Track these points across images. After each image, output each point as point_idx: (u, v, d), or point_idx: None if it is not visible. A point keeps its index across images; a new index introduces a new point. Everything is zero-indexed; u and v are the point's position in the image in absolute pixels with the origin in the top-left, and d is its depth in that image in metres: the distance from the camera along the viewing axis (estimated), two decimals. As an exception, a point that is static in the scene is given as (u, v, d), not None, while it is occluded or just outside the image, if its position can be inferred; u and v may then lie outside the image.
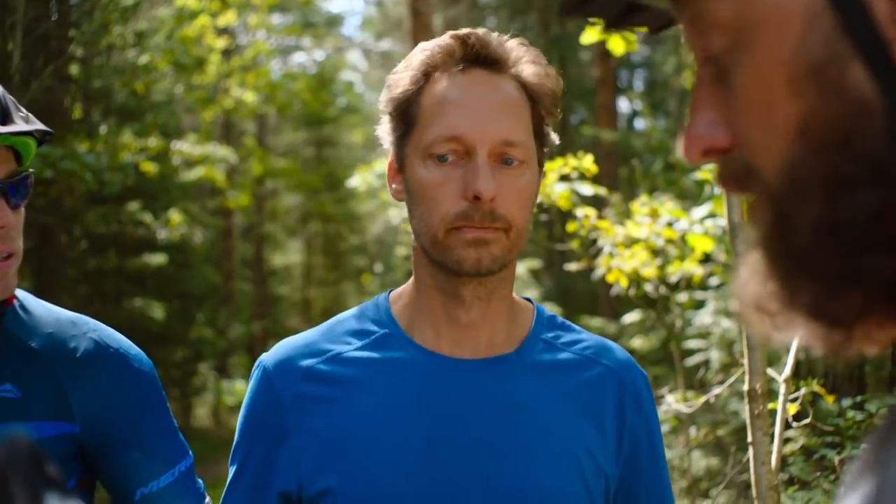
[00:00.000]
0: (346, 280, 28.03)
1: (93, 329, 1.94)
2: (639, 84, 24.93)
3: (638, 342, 11.50)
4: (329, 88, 26.19)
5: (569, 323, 1.79)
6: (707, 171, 3.83)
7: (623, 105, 24.75)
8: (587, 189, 4.60)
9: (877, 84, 0.61)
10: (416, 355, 1.64)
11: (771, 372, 2.92)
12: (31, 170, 1.84)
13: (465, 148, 1.54)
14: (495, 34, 1.62)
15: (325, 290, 27.87)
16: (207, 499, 2.03)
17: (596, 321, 13.57)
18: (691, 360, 9.63)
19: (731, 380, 3.41)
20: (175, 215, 14.35)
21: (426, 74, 1.60)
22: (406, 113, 1.61)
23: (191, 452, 2.02)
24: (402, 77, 1.62)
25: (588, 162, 4.44)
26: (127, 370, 1.94)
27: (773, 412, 3.08)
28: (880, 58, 0.61)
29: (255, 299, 25.62)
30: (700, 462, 8.61)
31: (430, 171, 1.56)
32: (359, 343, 1.67)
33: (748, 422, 2.80)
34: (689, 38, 0.71)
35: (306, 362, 1.65)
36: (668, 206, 4.85)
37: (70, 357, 1.86)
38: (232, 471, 1.70)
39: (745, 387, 2.78)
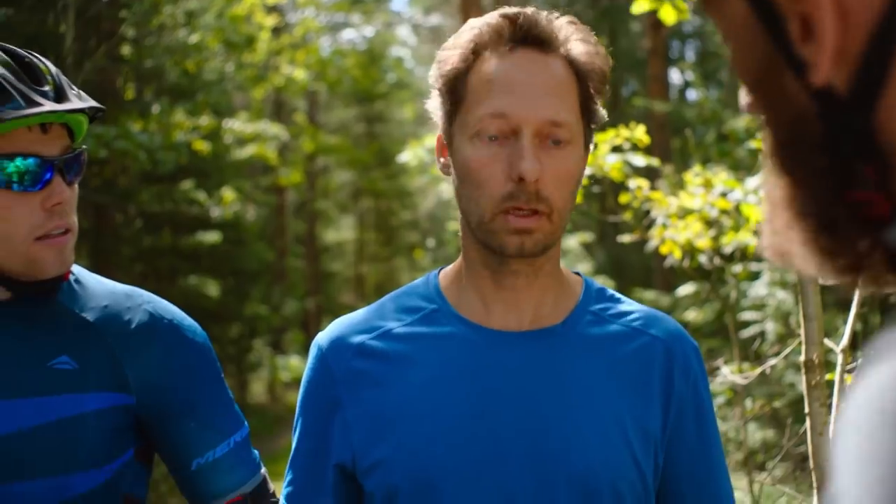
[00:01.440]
0: (399, 255, 28.12)
1: (147, 301, 1.96)
2: (690, 55, 24.69)
3: (692, 314, 11.45)
4: (379, 64, 26.18)
5: (618, 295, 1.80)
6: (761, 141, 3.79)
7: (675, 76, 24.56)
8: (640, 160, 4.56)
9: (807, 95, 0.68)
10: (464, 329, 1.67)
11: (828, 342, 2.88)
12: (84, 146, 1.86)
13: (511, 127, 1.55)
14: (544, 13, 1.62)
15: (378, 265, 27.99)
16: (263, 469, 2.05)
17: (649, 294, 13.53)
18: (746, 332, 9.57)
19: (788, 351, 3.37)
20: (228, 193, 14.45)
21: (475, 52, 1.60)
22: (455, 90, 1.62)
23: (246, 423, 2.04)
24: (451, 54, 1.62)
25: (640, 132, 4.40)
26: (181, 341, 1.96)
27: (830, 383, 3.05)
28: (802, 73, 0.68)
29: (308, 276, 25.77)
30: (756, 434, 8.58)
31: (476, 151, 1.58)
32: (409, 319, 1.71)
33: (805, 393, 2.77)
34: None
35: (358, 338, 1.70)
36: (721, 176, 4.78)
37: (125, 329, 1.88)
38: (293, 445, 1.75)
39: (802, 357, 2.75)
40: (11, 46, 1.80)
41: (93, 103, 1.82)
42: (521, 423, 1.60)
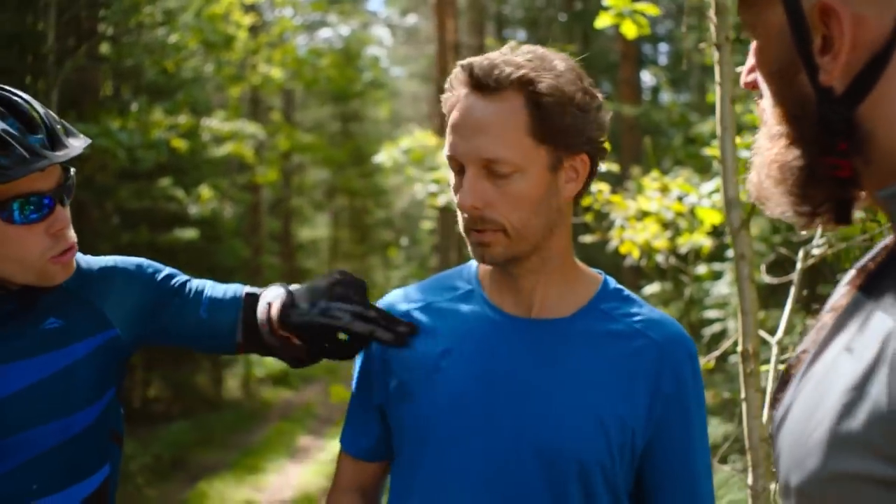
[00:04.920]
0: (373, 253, 28.30)
1: (91, 257, 2.30)
2: (663, 58, 24.93)
3: (658, 313, 11.68)
4: (355, 64, 26.31)
5: (634, 297, 2.04)
6: (715, 148, 4.04)
7: (647, 78, 24.79)
8: (600, 165, 4.77)
9: (813, 89, 1.03)
10: (487, 310, 1.99)
11: (763, 334, 3.13)
12: (73, 170, 2.15)
13: (459, 165, 1.86)
14: (505, 52, 1.88)
15: (352, 263, 28.12)
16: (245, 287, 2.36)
17: (617, 292, 13.72)
18: (710, 330, 9.84)
19: (728, 343, 3.63)
20: (205, 191, 14.59)
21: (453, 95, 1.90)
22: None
23: (204, 280, 2.41)
24: (445, 96, 1.92)
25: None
26: (132, 264, 2.31)
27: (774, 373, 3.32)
28: (814, 75, 1.03)
29: (283, 273, 25.84)
30: (718, 429, 8.84)
31: (453, 179, 1.91)
32: (449, 296, 2.06)
33: (742, 380, 3.03)
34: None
35: (405, 307, 2.07)
36: (677, 181, 5.04)
37: (88, 278, 2.22)
38: (353, 388, 2.15)
39: (739, 348, 3.00)
40: (5, 91, 2.04)
41: (83, 142, 2.10)
42: (509, 397, 1.88)
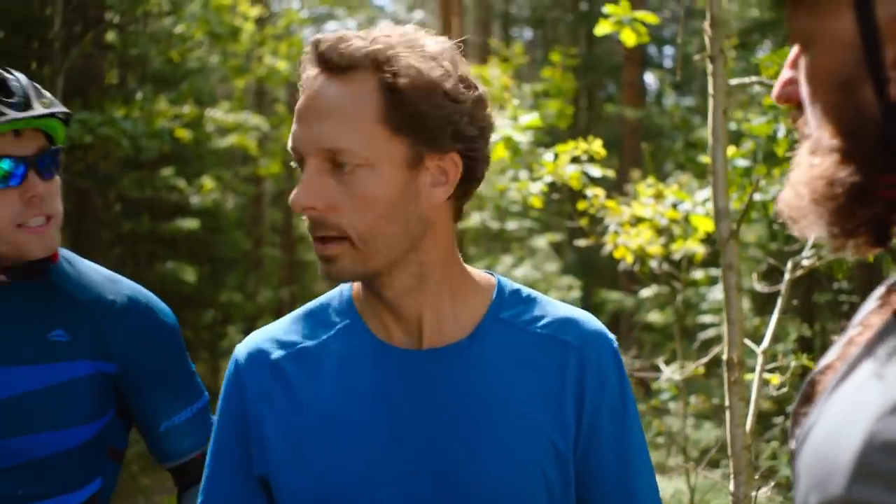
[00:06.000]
0: (373, 247, 28.27)
1: (127, 286, 2.29)
2: (668, 61, 24.90)
3: (654, 316, 11.77)
4: (360, 58, 26.31)
5: (534, 295, 1.74)
6: (708, 157, 4.09)
7: (653, 80, 24.77)
8: (595, 171, 4.84)
9: (878, 104, 0.93)
10: (372, 347, 1.64)
11: (749, 343, 3.18)
12: (59, 146, 2.15)
13: (300, 158, 1.55)
14: (363, 32, 1.55)
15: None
16: None
17: (615, 295, 13.82)
18: (705, 335, 9.91)
19: (718, 349, 3.68)
20: (208, 181, 14.65)
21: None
22: None
23: (206, 394, 2.38)
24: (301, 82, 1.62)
25: (597, 146, 4.68)
26: (155, 320, 2.28)
27: (768, 382, 3.38)
28: (882, 89, 0.93)
29: (283, 265, 25.88)
30: (710, 433, 8.91)
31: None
32: (323, 336, 1.69)
33: (726, 389, 3.07)
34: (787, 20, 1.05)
35: (274, 356, 1.68)
36: (672, 188, 5.10)
37: (110, 307, 2.21)
38: (210, 454, 1.75)
39: (724, 356, 3.04)
40: None
41: (57, 109, 2.11)
42: (425, 445, 1.58)
